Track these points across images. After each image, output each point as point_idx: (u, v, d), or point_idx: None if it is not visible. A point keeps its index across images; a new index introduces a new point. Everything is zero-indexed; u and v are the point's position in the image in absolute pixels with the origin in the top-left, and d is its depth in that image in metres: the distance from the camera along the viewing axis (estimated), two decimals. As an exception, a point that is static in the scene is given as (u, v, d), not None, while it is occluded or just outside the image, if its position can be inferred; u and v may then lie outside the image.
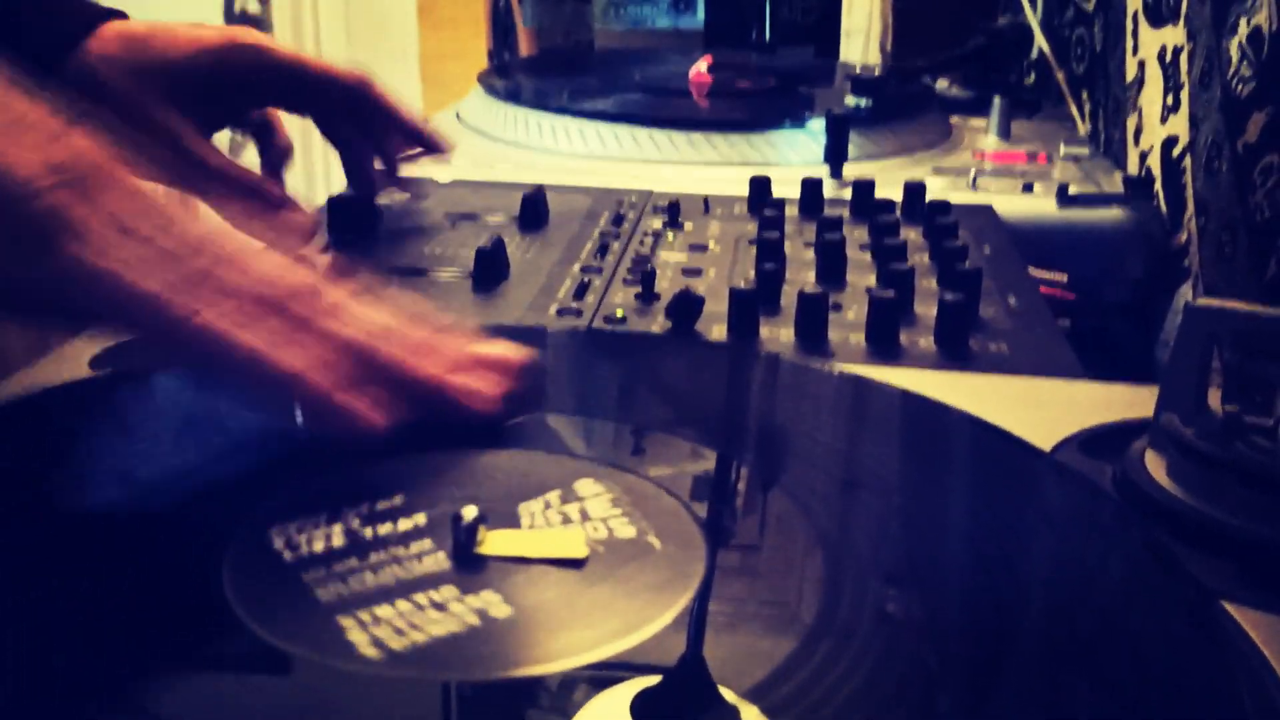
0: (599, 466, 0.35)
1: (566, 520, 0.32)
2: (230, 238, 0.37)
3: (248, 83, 0.60)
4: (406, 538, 0.31)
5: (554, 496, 0.33)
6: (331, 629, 0.28)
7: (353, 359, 0.36)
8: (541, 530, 0.31)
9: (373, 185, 0.65)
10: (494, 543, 0.31)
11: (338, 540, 0.31)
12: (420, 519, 0.32)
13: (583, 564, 0.30)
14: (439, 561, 0.30)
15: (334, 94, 0.62)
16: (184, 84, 0.57)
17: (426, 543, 0.31)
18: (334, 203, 0.64)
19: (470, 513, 0.31)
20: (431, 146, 0.67)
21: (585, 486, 0.34)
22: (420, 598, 0.29)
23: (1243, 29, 0.69)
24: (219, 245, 0.36)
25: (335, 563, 0.30)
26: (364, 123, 0.64)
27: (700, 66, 1.03)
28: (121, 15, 0.58)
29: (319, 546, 0.31)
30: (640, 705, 0.24)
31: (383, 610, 0.28)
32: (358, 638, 0.27)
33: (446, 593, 0.29)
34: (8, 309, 0.36)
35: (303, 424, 0.35)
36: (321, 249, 0.61)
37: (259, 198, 0.60)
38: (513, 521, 0.32)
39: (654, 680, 0.25)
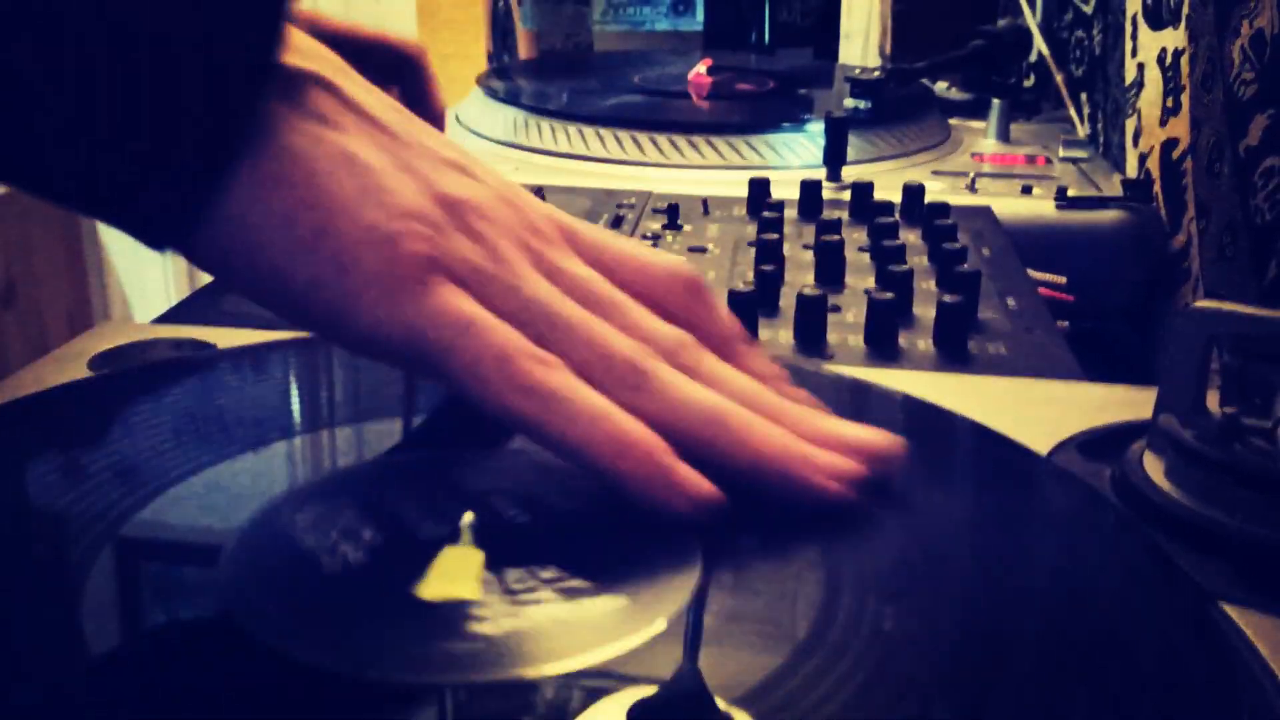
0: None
1: (522, 593, 0.29)
2: (609, 278, 0.35)
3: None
4: (410, 532, 0.31)
5: (575, 583, 0.30)
6: (306, 617, 0.28)
7: (697, 425, 0.33)
8: (472, 571, 0.30)
9: None
10: (452, 550, 0.30)
11: (350, 529, 0.32)
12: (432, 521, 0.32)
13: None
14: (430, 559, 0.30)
15: (389, 58, 0.62)
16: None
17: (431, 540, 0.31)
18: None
19: (467, 518, 0.31)
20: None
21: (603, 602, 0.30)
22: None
23: (1245, 32, 0.69)
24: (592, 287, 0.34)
25: (338, 552, 0.30)
26: (407, 93, 0.64)
27: (699, 69, 1.03)
28: None
29: (330, 536, 0.31)
30: (636, 715, 0.24)
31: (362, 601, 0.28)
32: (327, 629, 0.27)
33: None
34: (346, 345, 0.34)
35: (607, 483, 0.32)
36: None
37: None
38: (506, 565, 0.30)
39: (650, 691, 0.24)
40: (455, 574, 0.30)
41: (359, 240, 0.31)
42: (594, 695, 0.25)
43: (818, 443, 0.34)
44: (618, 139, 0.84)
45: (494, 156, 0.84)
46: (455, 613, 0.28)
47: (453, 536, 0.30)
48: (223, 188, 0.31)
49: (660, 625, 0.28)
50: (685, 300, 0.37)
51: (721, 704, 0.24)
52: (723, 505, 0.31)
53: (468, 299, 0.32)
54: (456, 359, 0.31)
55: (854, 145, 0.81)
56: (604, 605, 0.28)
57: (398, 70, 0.63)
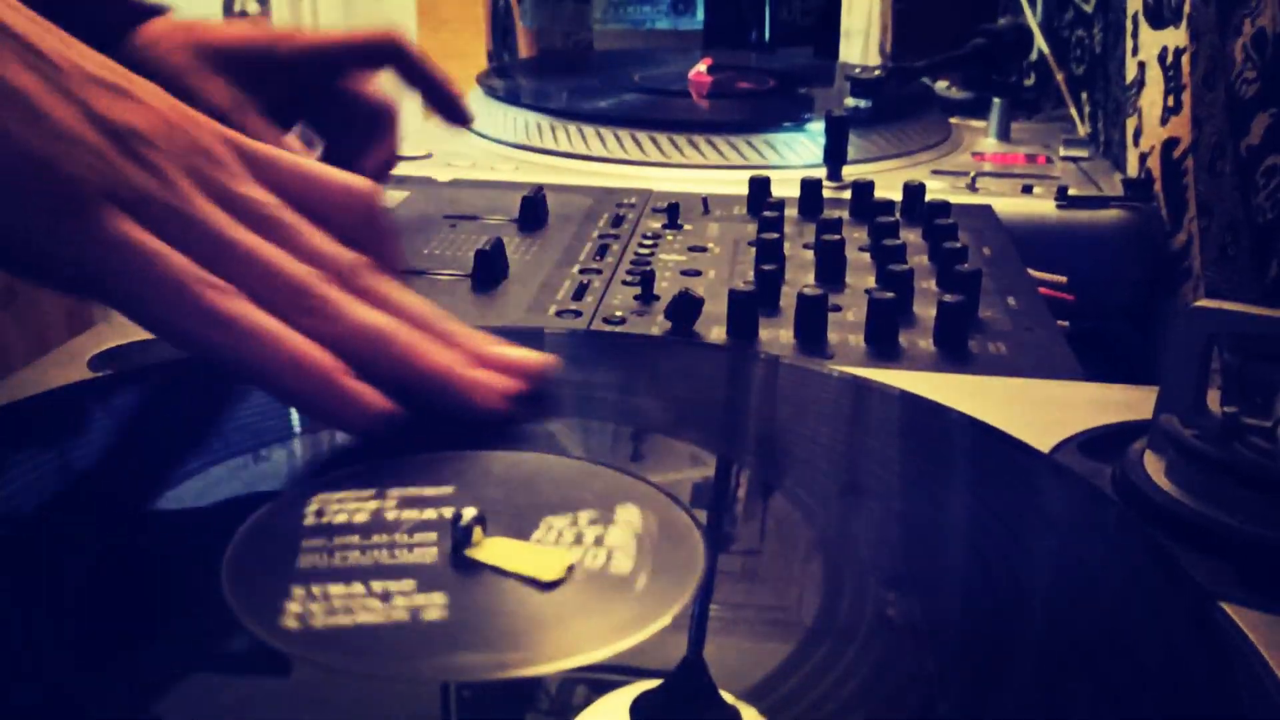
0: (654, 490, 0.34)
1: (579, 540, 0.31)
2: (284, 200, 0.36)
3: (287, 65, 0.60)
4: (418, 527, 0.31)
5: (585, 515, 0.32)
6: (280, 594, 0.28)
7: (364, 344, 0.35)
8: (534, 545, 0.31)
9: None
10: (486, 548, 0.30)
11: (361, 516, 0.32)
12: (446, 512, 0.32)
13: (550, 587, 0.29)
14: (428, 556, 0.30)
15: (369, 56, 0.63)
16: (233, 65, 0.58)
17: (432, 535, 0.31)
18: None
19: (469, 513, 0.30)
20: (456, 112, 0.66)
21: (624, 512, 0.33)
22: (376, 584, 0.29)
23: (1247, 30, 0.69)
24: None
25: (340, 535, 0.31)
26: (406, 78, 0.64)
27: (700, 68, 1.03)
28: (164, 10, 0.60)
29: (341, 518, 0.31)
30: (640, 708, 0.24)
31: (336, 588, 0.28)
32: (292, 607, 0.27)
33: (403, 586, 0.29)
34: (24, 276, 0.35)
35: (294, 411, 0.35)
36: None
37: None
38: (530, 530, 0.31)
39: (654, 683, 0.24)
40: (531, 555, 0.30)
41: (16, 168, 0.32)
42: (598, 689, 0.25)
43: (479, 362, 0.37)
44: (618, 138, 0.84)
45: (494, 155, 0.84)
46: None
47: (463, 533, 0.30)
48: None
49: (664, 619, 0.28)
50: (360, 220, 0.39)
51: (725, 696, 0.24)
52: (395, 416, 0.34)
53: (137, 226, 0.33)
54: (128, 286, 0.33)
55: (854, 144, 0.81)
56: (628, 515, 0.29)
57: (384, 63, 0.63)
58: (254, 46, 0.59)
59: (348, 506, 0.32)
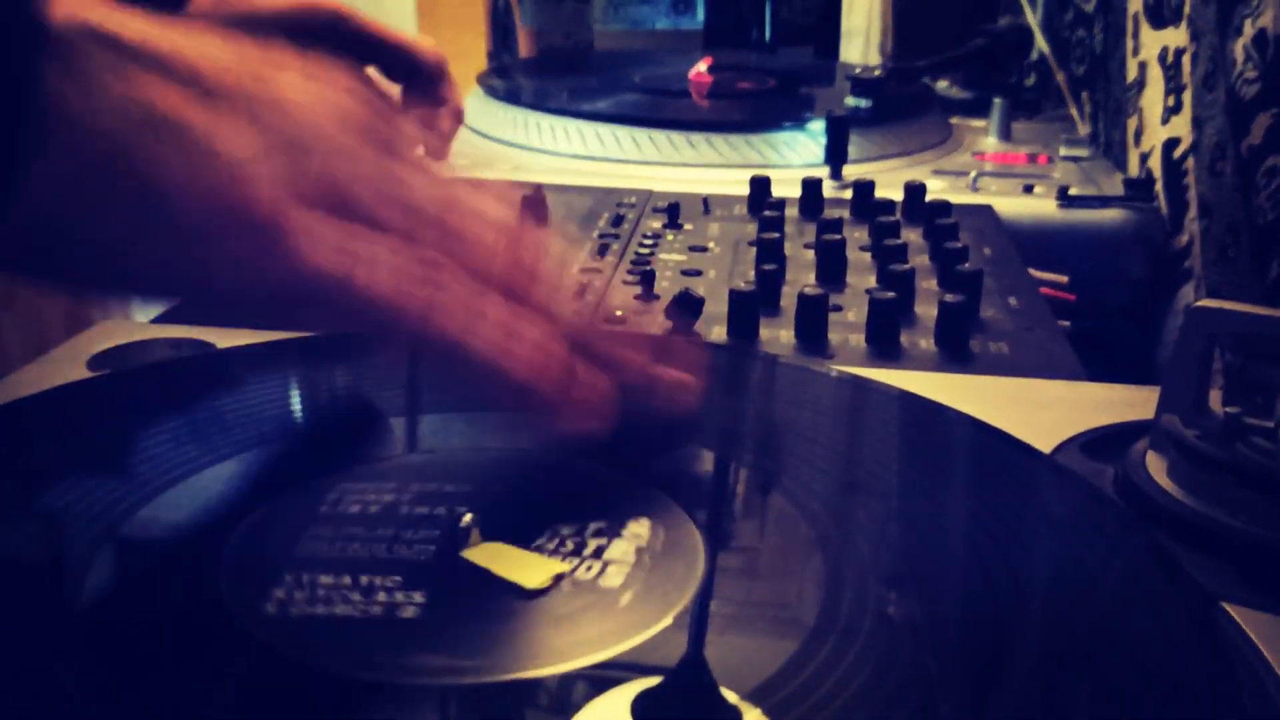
0: (670, 505, 0.33)
1: (579, 550, 0.31)
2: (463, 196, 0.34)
3: (330, 42, 0.60)
4: (424, 524, 0.31)
5: (593, 526, 0.32)
6: (272, 580, 0.28)
7: (576, 350, 0.33)
8: (525, 552, 0.31)
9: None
10: (480, 550, 0.30)
11: (374, 508, 0.32)
12: (459, 510, 0.32)
13: (533, 595, 0.29)
14: (424, 554, 0.30)
15: (411, 65, 0.62)
16: (271, 37, 0.59)
17: (435, 533, 0.31)
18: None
19: (467, 516, 0.30)
20: (440, 139, 0.66)
21: (635, 526, 0.32)
22: (364, 578, 0.29)
23: (1248, 30, 0.69)
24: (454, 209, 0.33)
25: (349, 526, 0.31)
26: (425, 98, 0.64)
27: (700, 67, 1.03)
28: None
29: (355, 508, 0.32)
30: (641, 706, 0.24)
31: (325, 577, 0.28)
32: (278, 594, 0.28)
33: (388, 581, 0.29)
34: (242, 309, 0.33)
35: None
36: None
37: None
38: (535, 536, 0.31)
39: (654, 681, 0.24)
40: (520, 562, 0.30)
41: (201, 209, 0.29)
42: (599, 686, 0.25)
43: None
44: (618, 138, 0.84)
45: (494, 155, 0.84)
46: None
47: (461, 535, 0.30)
48: (19, 193, 0.27)
49: (665, 618, 0.28)
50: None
51: (726, 695, 0.24)
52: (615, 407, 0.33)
53: (336, 227, 0.30)
54: (346, 299, 0.30)
55: (855, 144, 0.81)
56: (637, 529, 0.29)
57: (414, 74, 0.63)
58: (292, 18, 0.59)
59: (365, 497, 0.32)
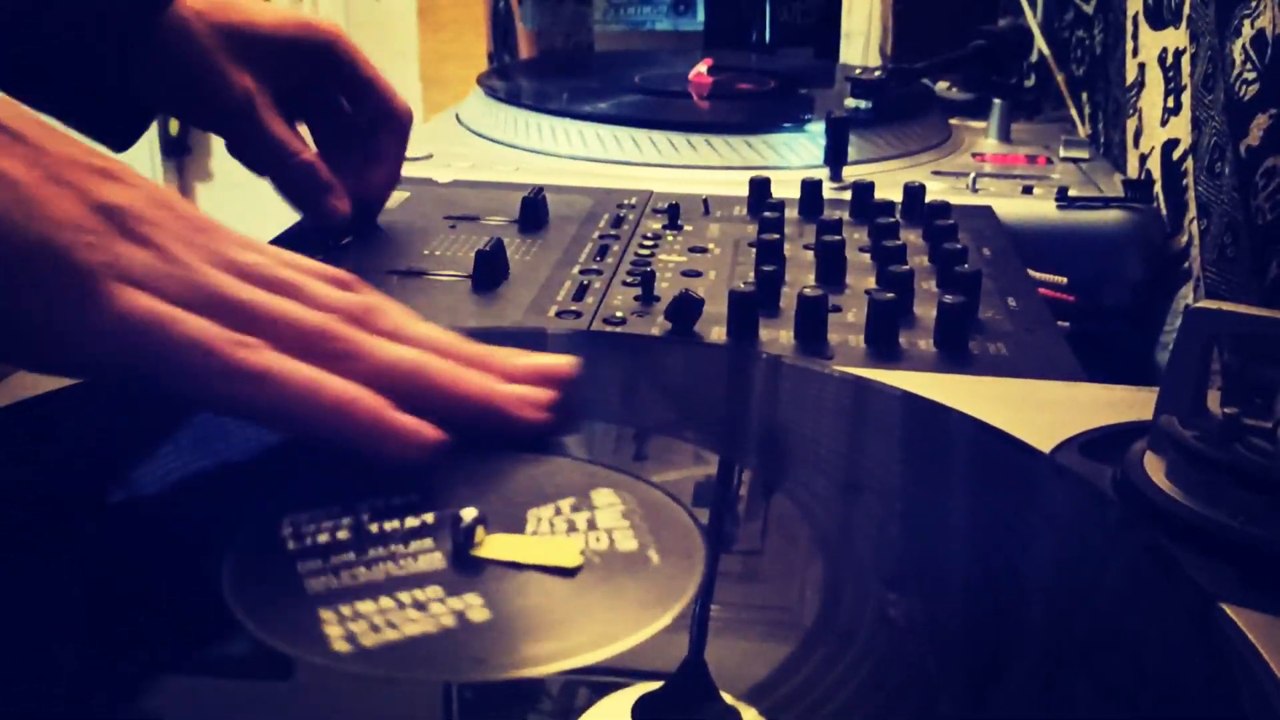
0: (617, 475, 0.35)
1: (572, 528, 0.32)
2: (279, 261, 0.37)
3: (318, 67, 0.61)
4: (409, 535, 0.31)
5: (566, 504, 0.33)
6: (312, 621, 0.28)
7: (401, 379, 0.35)
8: (540, 537, 0.31)
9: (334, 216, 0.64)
10: (491, 546, 0.31)
11: (342, 533, 0.31)
12: (428, 517, 0.32)
13: (574, 573, 0.30)
14: (434, 561, 0.30)
15: (382, 111, 0.63)
16: (262, 53, 0.59)
17: (428, 541, 0.31)
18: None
19: (469, 514, 0.31)
20: (373, 194, 0.66)
21: (600, 496, 0.33)
22: (404, 595, 0.29)
23: (1246, 31, 0.69)
24: (271, 272, 0.36)
25: (334, 555, 0.30)
26: (377, 147, 0.65)
27: (700, 68, 1.03)
28: None
29: (323, 538, 0.31)
30: (642, 709, 0.24)
31: (364, 605, 0.28)
32: (333, 631, 0.27)
33: (431, 593, 0.29)
34: (41, 367, 0.36)
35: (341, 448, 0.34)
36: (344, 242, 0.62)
37: (308, 179, 0.61)
38: (519, 526, 0.32)
39: (656, 685, 0.24)
40: (540, 546, 0.31)
41: (21, 257, 0.31)
42: (600, 690, 0.25)
43: (507, 376, 0.38)
44: (618, 139, 0.84)
45: (495, 156, 0.84)
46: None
47: (466, 535, 0.30)
48: None
49: (665, 620, 0.28)
50: (347, 280, 0.39)
51: (726, 697, 0.24)
52: (447, 444, 0.34)
53: (149, 298, 0.33)
54: (157, 358, 0.32)
55: (855, 145, 0.81)
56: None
57: (380, 121, 0.63)
58: (286, 37, 0.60)
59: (324, 525, 0.32)
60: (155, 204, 0.35)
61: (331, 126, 0.65)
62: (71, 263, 0.32)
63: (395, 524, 0.32)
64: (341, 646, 0.27)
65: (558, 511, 0.33)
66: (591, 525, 0.32)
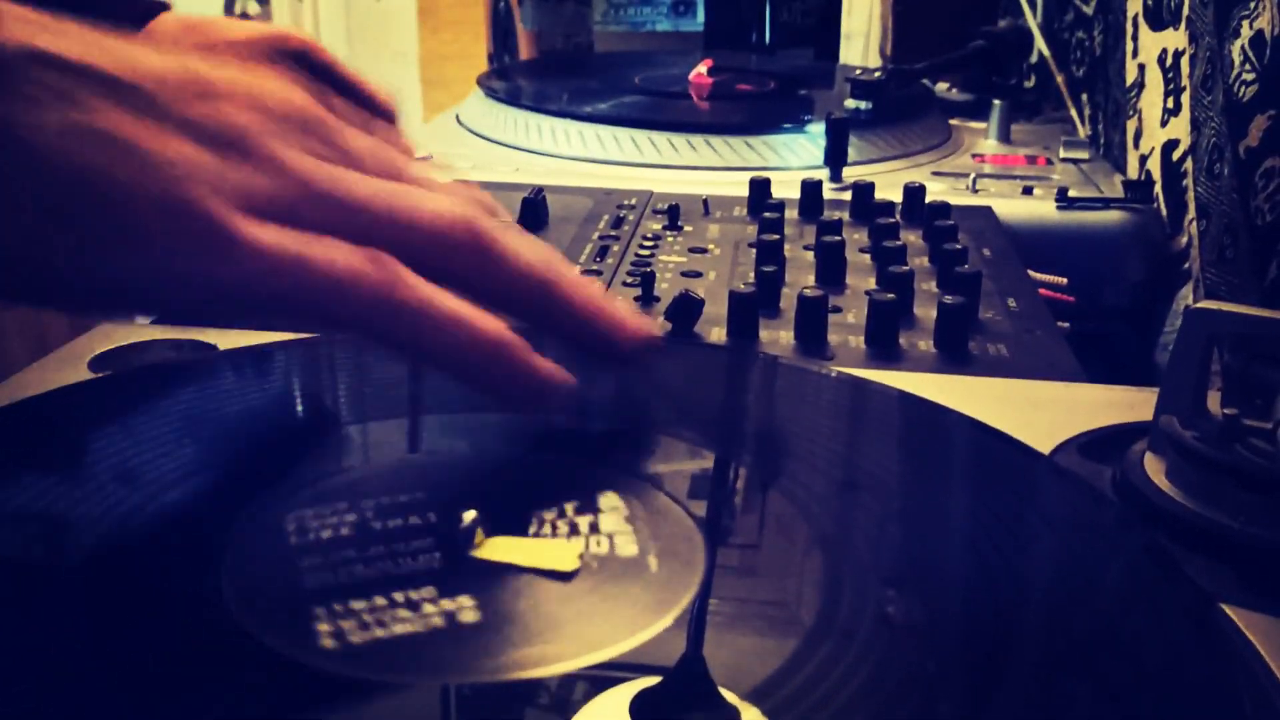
0: (625, 478, 0.35)
1: (574, 531, 0.32)
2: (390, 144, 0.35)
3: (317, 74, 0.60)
4: (410, 534, 0.31)
5: (570, 506, 0.33)
6: (303, 617, 0.28)
7: (538, 287, 0.34)
8: (539, 540, 0.31)
9: None
10: (490, 547, 0.31)
11: (345, 530, 0.31)
12: (431, 516, 0.32)
13: (570, 577, 0.30)
14: (432, 561, 0.30)
15: (366, 104, 0.63)
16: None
17: (428, 540, 0.31)
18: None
19: (468, 515, 0.31)
20: None
21: (606, 500, 0.33)
22: (397, 595, 0.29)
23: (1245, 32, 0.69)
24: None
25: (334, 551, 0.30)
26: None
27: (700, 69, 1.03)
28: (167, 7, 0.60)
29: (326, 535, 0.31)
30: (639, 706, 0.24)
31: (357, 603, 0.28)
32: (322, 627, 0.27)
33: (424, 592, 0.29)
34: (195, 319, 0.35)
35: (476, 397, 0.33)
36: None
37: None
38: (521, 527, 0.32)
39: (653, 681, 0.25)
40: (537, 550, 0.30)
41: (140, 213, 0.30)
42: (598, 686, 0.25)
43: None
44: (618, 139, 0.84)
45: (495, 157, 0.84)
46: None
47: (465, 535, 0.30)
48: None
49: (665, 618, 0.28)
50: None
51: (725, 695, 0.24)
52: (572, 388, 0.33)
53: (277, 230, 0.31)
54: (290, 297, 0.31)
55: (855, 146, 0.81)
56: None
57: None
58: (262, 48, 0.60)
59: (328, 521, 0.32)
60: (256, 108, 0.33)
61: None
62: (192, 208, 0.30)
63: (399, 521, 0.32)
64: (329, 644, 0.27)
65: (560, 514, 0.32)
66: (594, 529, 0.32)
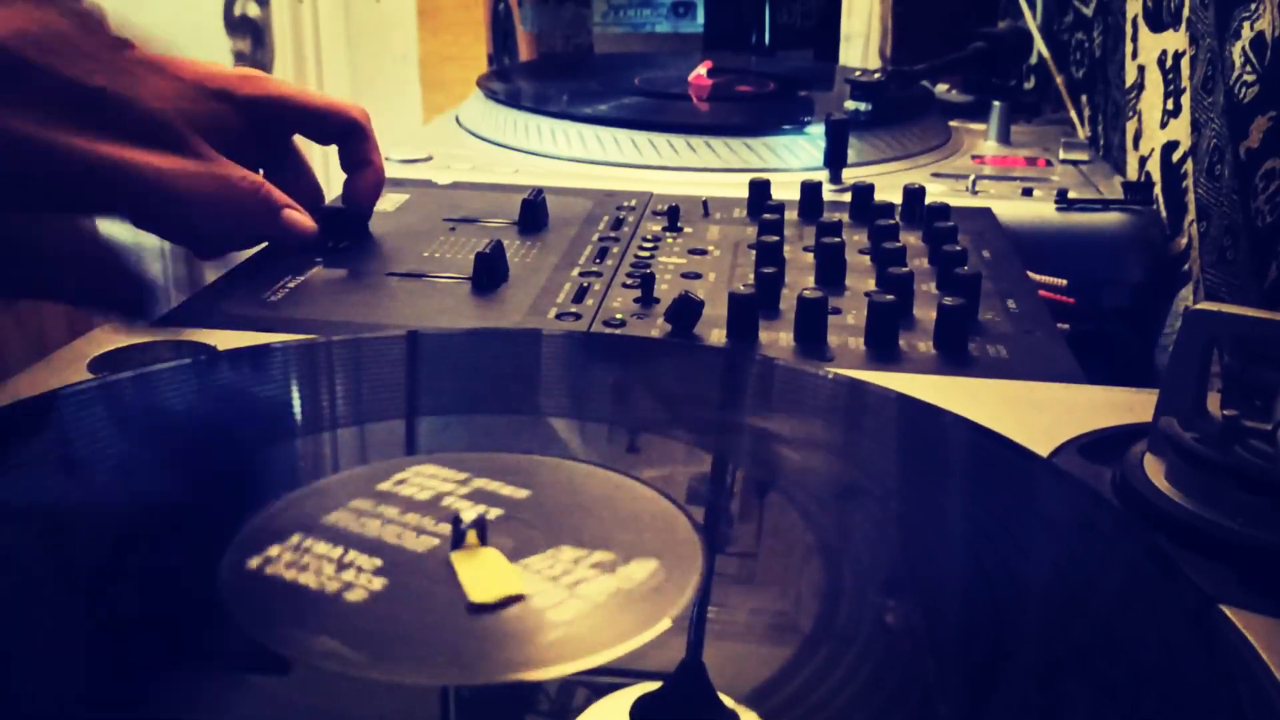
0: (687, 547, 0.32)
1: (559, 577, 0.30)
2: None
3: (255, 109, 0.59)
4: (451, 519, 0.31)
5: (598, 556, 0.31)
6: (279, 539, 0.29)
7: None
8: (505, 565, 0.30)
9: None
10: (468, 553, 0.30)
11: (423, 494, 0.32)
12: (480, 510, 0.31)
13: (478, 610, 0.28)
14: (422, 545, 0.30)
15: (338, 127, 0.63)
16: (199, 100, 0.58)
17: (447, 528, 0.31)
18: (327, 211, 0.64)
19: (469, 516, 0.30)
20: (362, 201, 0.66)
21: (639, 567, 0.30)
22: (352, 554, 0.29)
23: (1246, 33, 0.69)
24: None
25: (386, 504, 0.31)
26: (347, 155, 0.65)
27: (700, 70, 1.03)
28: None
29: (406, 491, 0.32)
30: (640, 711, 0.24)
31: (321, 546, 0.29)
32: (271, 551, 0.28)
33: (366, 562, 0.29)
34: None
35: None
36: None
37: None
38: (540, 551, 0.31)
39: (654, 686, 0.24)
40: (489, 574, 0.30)
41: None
42: (598, 691, 0.25)
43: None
44: (618, 141, 0.84)
45: (495, 158, 0.84)
46: (456, 609, 0.28)
47: (458, 534, 0.30)
48: None
49: (664, 622, 0.28)
50: None
51: (724, 700, 0.24)
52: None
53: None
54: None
55: (854, 147, 0.81)
56: (636, 570, 0.29)
57: (341, 134, 0.63)
58: (213, 85, 0.58)
59: (429, 483, 0.32)
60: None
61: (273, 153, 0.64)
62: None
63: (466, 505, 0.32)
64: (252, 564, 0.28)
65: (577, 561, 0.30)
66: (574, 586, 0.29)
